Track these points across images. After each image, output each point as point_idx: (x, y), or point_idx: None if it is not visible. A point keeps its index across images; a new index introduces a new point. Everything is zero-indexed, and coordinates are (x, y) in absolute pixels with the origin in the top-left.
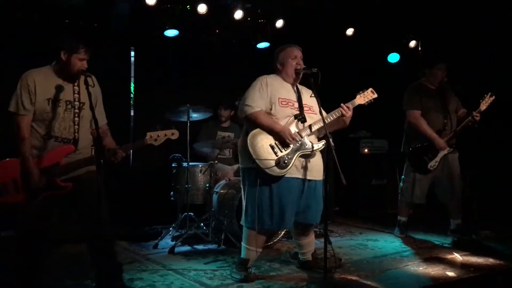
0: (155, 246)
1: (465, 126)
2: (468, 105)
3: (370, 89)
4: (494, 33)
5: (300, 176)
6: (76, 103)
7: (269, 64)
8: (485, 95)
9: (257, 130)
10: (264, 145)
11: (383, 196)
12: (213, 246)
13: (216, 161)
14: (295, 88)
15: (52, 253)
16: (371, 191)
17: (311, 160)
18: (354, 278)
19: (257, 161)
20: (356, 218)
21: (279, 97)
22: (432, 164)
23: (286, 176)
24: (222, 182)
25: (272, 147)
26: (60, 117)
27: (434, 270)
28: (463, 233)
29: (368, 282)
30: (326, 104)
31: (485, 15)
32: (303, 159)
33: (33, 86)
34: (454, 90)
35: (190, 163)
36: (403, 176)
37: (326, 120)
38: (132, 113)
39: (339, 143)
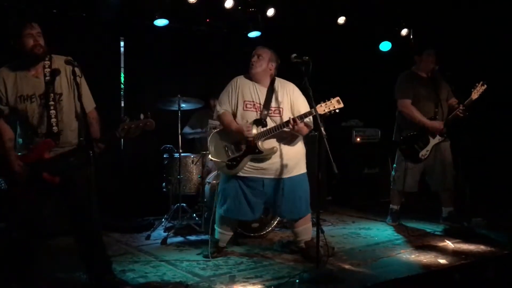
0: (148, 238)
1: (454, 117)
2: (459, 93)
3: (337, 98)
4: (485, 21)
5: (259, 175)
6: (51, 95)
7: None
8: (477, 84)
9: (218, 130)
10: (219, 145)
11: (376, 185)
12: (205, 237)
13: (208, 151)
14: (267, 88)
15: (44, 246)
16: (364, 180)
17: (275, 160)
18: (346, 266)
19: (213, 160)
20: (349, 207)
21: (245, 100)
22: (424, 152)
23: (244, 175)
24: (214, 172)
25: (226, 148)
26: (36, 112)
27: (426, 258)
28: (455, 221)
29: (361, 270)
30: (317, 93)
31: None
32: (263, 161)
33: (3, 86)
34: (445, 77)
35: (182, 154)
36: (394, 165)
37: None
38: (122, 104)
39: (331, 132)
